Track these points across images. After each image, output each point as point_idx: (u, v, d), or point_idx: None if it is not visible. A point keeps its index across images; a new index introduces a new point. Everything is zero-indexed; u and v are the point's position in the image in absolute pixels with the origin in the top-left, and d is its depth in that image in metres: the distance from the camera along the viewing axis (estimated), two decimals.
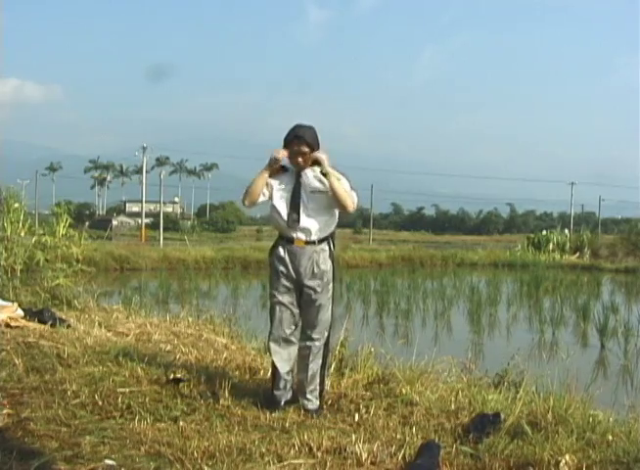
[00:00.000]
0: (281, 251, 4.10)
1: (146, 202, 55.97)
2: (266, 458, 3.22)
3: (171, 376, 4.56)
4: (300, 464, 3.19)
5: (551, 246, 35.07)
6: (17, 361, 4.85)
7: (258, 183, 4.09)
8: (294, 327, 4.16)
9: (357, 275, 19.02)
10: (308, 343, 4.13)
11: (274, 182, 4.11)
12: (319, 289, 4.06)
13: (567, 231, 40.99)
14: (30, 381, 4.47)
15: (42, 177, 77.78)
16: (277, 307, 4.13)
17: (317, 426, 3.77)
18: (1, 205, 10.23)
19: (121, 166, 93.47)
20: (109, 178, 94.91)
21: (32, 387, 4.33)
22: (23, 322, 6.68)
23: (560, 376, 5.07)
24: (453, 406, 4.23)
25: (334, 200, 4.02)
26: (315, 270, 4.05)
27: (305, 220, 4.03)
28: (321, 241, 4.08)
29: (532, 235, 38.97)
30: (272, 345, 4.17)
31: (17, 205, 10.32)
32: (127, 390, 4.25)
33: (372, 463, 3.27)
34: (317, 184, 4.05)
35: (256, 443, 3.43)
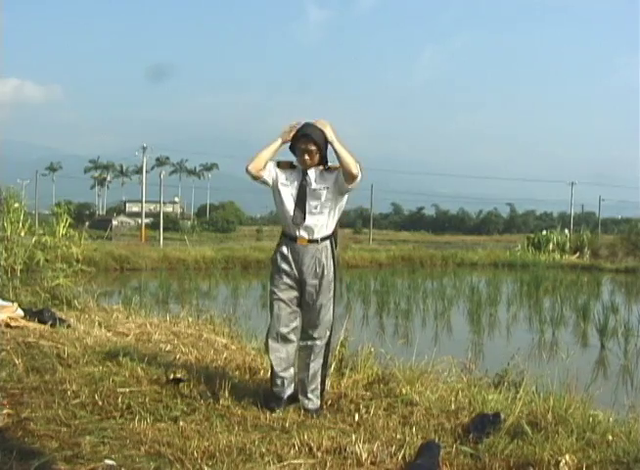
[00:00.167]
0: (284, 249, 4.11)
1: (146, 202, 55.96)
2: (266, 458, 3.22)
3: (171, 376, 4.56)
4: (300, 464, 3.19)
5: (551, 246, 35.07)
6: (17, 361, 4.85)
7: (270, 149, 4.08)
8: (292, 325, 4.14)
9: (357, 275, 19.02)
10: (309, 342, 4.13)
11: (281, 176, 4.12)
12: (321, 288, 4.06)
13: (567, 231, 40.97)
14: (30, 381, 4.47)
15: (42, 177, 77.77)
16: (276, 304, 4.12)
17: (317, 426, 3.77)
18: (1, 205, 10.24)
19: (121, 166, 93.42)
20: (109, 178, 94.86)
21: (32, 387, 4.33)
22: (23, 322, 6.68)
23: (560, 376, 5.07)
24: (453, 406, 4.23)
25: (339, 172, 4.00)
26: (317, 269, 4.05)
27: (309, 219, 4.04)
28: (323, 239, 4.09)
29: (532, 235, 38.96)
30: (270, 341, 4.15)
31: (17, 205, 10.32)
32: (127, 390, 4.25)
33: (372, 463, 3.27)
34: (320, 182, 4.07)
35: (256, 443, 3.43)
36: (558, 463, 3.25)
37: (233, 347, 6.11)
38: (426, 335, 11.19)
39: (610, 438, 3.64)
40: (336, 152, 4.00)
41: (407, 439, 3.57)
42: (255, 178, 4.09)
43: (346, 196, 4.15)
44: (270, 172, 4.10)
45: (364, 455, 3.28)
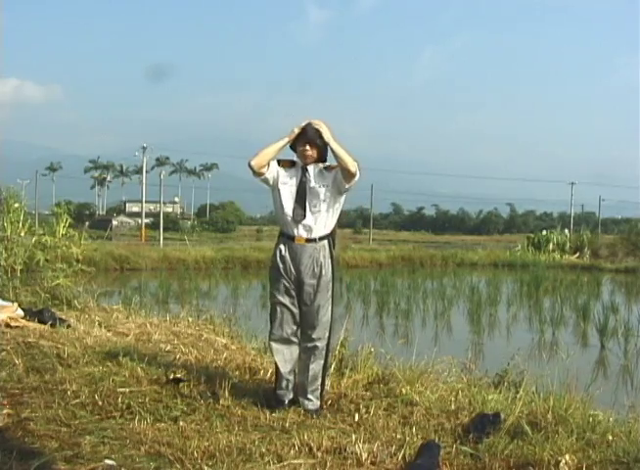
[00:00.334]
0: (282, 249, 4.11)
1: (146, 202, 55.97)
2: (266, 458, 3.22)
3: (171, 376, 4.56)
4: (300, 464, 3.19)
5: (551, 246, 35.06)
6: (17, 361, 4.85)
7: (275, 147, 4.08)
8: (294, 327, 4.16)
9: (357, 275, 19.02)
10: (309, 343, 4.13)
11: (282, 174, 4.13)
12: (319, 288, 4.06)
13: (567, 231, 40.97)
14: (30, 381, 4.47)
15: (42, 177, 77.75)
16: (278, 308, 4.14)
17: (317, 426, 3.77)
18: (1, 205, 10.23)
19: (121, 166, 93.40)
20: (109, 178, 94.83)
21: (32, 387, 4.34)
22: (23, 322, 6.69)
23: (560, 376, 5.07)
24: (453, 406, 4.23)
25: (338, 171, 4.02)
26: (315, 269, 4.05)
27: (309, 216, 4.05)
28: (322, 239, 4.09)
29: (532, 235, 38.95)
30: (273, 344, 4.18)
31: (17, 205, 10.31)
32: (127, 390, 4.25)
33: (372, 463, 3.27)
34: (320, 180, 4.08)
35: (256, 443, 3.43)
36: (558, 463, 3.25)
37: (233, 347, 6.10)
38: (426, 335, 11.19)
39: (610, 438, 3.64)
40: (333, 151, 4.01)
41: (407, 439, 3.57)
42: (257, 174, 4.09)
43: (345, 196, 4.16)
44: (272, 171, 4.11)
45: (364, 455, 3.29)
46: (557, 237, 36.20)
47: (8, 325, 6.46)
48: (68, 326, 6.72)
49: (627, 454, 3.37)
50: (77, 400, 4.02)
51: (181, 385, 4.41)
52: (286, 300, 4.11)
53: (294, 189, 4.09)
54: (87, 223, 48.12)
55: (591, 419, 3.98)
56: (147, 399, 4.09)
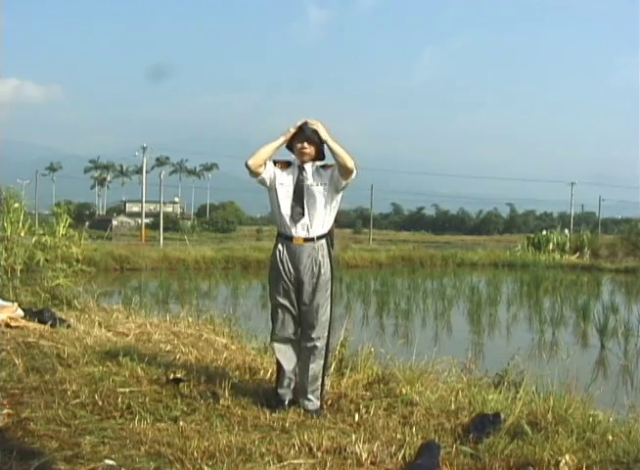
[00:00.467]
0: (281, 249, 4.12)
1: (146, 202, 55.94)
2: (266, 458, 3.22)
3: (171, 376, 4.56)
4: (300, 464, 3.19)
5: (551, 246, 35.07)
6: (17, 361, 4.85)
7: (271, 146, 4.08)
8: (295, 327, 4.17)
9: (357, 275, 19.02)
10: (309, 343, 4.14)
11: (278, 175, 4.12)
12: (318, 287, 4.07)
13: (567, 231, 40.98)
14: (30, 381, 4.47)
15: (42, 177, 77.75)
16: (279, 310, 4.15)
17: (317, 426, 3.77)
18: (1, 205, 10.23)
19: (121, 166, 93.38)
20: (109, 178, 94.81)
21: (32, 387, 4.34)
22: (23, 322, 6.69)
23: (560, 376, 5.07)
24: (453, 406, 4.24)
25: (335, 169, 4.03)
26: (314, 268, 4.06)
27: (307, 216, 4.06)
28: (319, 238, 4.10)
29: (532, 235, 38.97)
30: (276, 344, 4.19)
31: (17, 205, 10.32)
32: (127, 390, 4.25)
33: (372, 463, 3.27)
34: (317, 179, 4.09)
35: (256, 443, 3.43)
36: (558, 463, 3.25)
37: (233, 347, 6.11)
38: (426, 335, 11.19)
39: (610, 438, 3.64)
40: (330, 149, 4.02)
41: (407, 439, 3.57)
42: (254, 174, 4.09)
43: (341, 194, 4.16)
44: (268, 171, 4.11)
45: (364, 455, 3.29)
46: (557, 237, 36.21)
47: (8, 325, 6.46)
48: (68, 326, 6.72)
49: (627, 454, 3.37)
50: (77, 400, 4.02)
51: (181, 385, 4.41)
52: (286, 301, 4.12)
53: (291, 189, 4.10)
54: (87, 223, 48.14)
55: (591, 419, 3.98)
56: (147, 399, 4.09)
